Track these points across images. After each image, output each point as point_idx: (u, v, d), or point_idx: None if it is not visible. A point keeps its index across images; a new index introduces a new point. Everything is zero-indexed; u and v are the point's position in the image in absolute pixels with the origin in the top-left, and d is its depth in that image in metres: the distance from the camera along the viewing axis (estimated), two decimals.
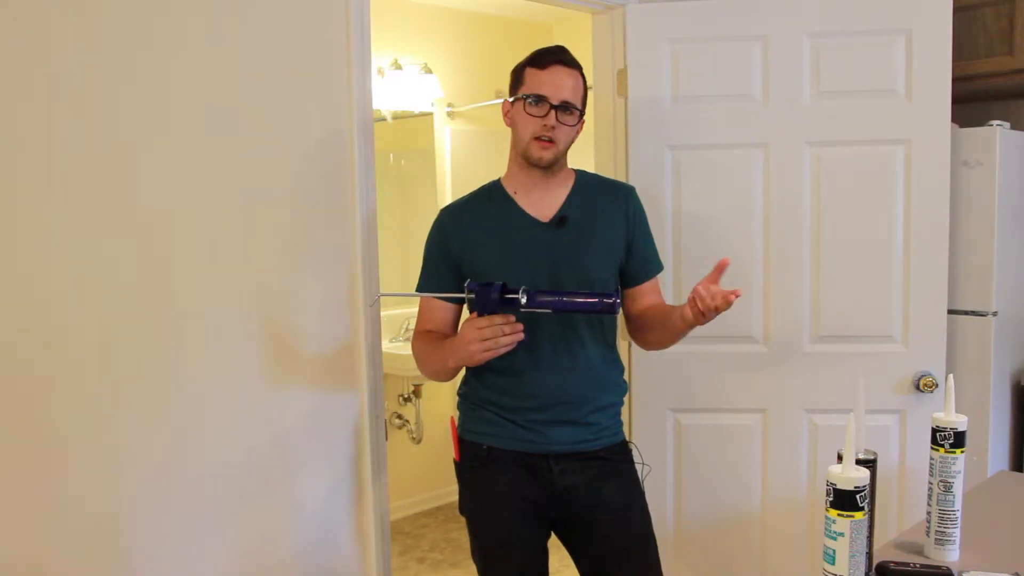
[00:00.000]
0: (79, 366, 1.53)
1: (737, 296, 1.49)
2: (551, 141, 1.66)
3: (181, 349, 1.65)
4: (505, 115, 1.73)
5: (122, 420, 1.58)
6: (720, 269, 1.55)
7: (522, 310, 1.54)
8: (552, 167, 1.70)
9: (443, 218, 1.79)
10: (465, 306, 1.77)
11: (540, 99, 1.65)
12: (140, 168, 1.58)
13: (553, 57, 1.67)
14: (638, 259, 1.77)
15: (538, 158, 1.67)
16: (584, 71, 1.72)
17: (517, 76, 1.71)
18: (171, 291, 1.63)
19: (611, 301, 1.53)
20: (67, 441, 1.52)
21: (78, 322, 1.52)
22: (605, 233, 1.73)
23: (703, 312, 1.52)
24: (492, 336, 1.54)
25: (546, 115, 1.64)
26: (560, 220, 1.71)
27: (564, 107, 1.65)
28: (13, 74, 1.44)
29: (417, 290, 1.79)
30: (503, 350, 1.56)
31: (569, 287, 1.67)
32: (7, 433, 1.46)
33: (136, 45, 1.57)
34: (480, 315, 1.55)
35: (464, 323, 1.58)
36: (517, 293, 1.53)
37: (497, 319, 1.54)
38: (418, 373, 1.80)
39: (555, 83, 1.65)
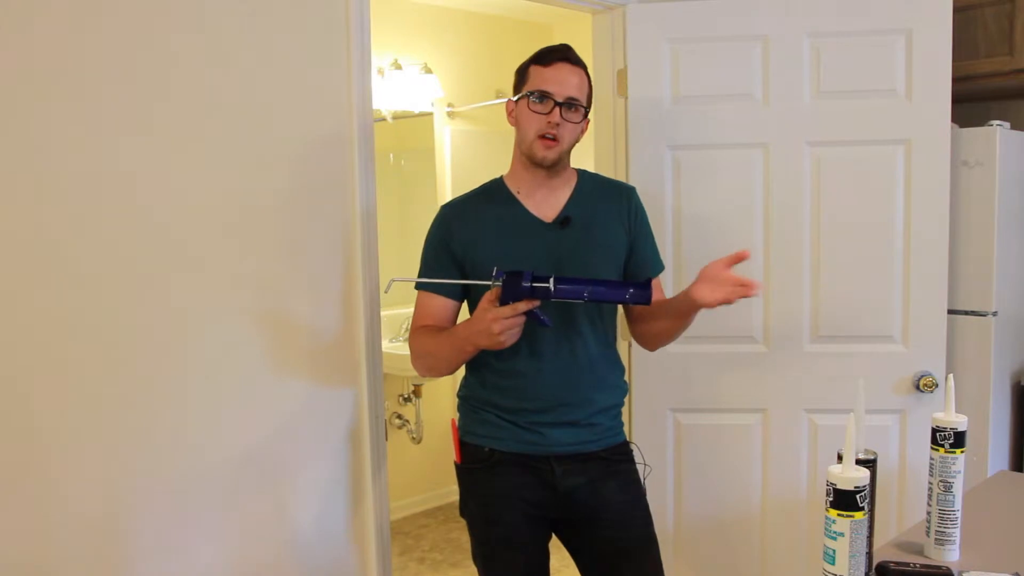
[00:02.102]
0: (78, 366, 1.53)
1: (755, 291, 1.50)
2: (555, 139, 1.64)
3: (181, 348, 1.65)
4: (509, 114, 1.72)
5: (120, 419, 1.58)
6: (738, 259, 1.54)
7: (552, 299, 1.50)
8: (556, 166, 1.69)
9: (445, 215, 1.76)
10: (465, 303, 1.77)
11: (544, 96, 1.63)
12: (140, 167, 1.58)
13: (558, 54, 1.66)
14: (639, 259, 1.76)
15: (542, 157, 1.66)
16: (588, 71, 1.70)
17: (521, 75, 1.70)
18: (170, 290, 1.63)
19: (642, 292, 1.49)
20: (65, 441, 1.52)
21: (76, 323, 1.52)
22: (607, 233, 1.73)
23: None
24: (520, 324, 1.52)
25: (550, 112, 1.63)
26: (564, 220, 1.70)
27: (569, 104, 1.64)
28: (8, 71, 1.44)
29: (418, 287, 1.74)
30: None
31: None
32: (7, 433, 1.46)
33: (136, 44, 1.57)
34: (503, 303, 1.50)
35: (486, 313, 1.52)
36: (545, 281, 1.48)
37: (521, 307, 1.49)
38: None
39: (560, 80, 1.64)
